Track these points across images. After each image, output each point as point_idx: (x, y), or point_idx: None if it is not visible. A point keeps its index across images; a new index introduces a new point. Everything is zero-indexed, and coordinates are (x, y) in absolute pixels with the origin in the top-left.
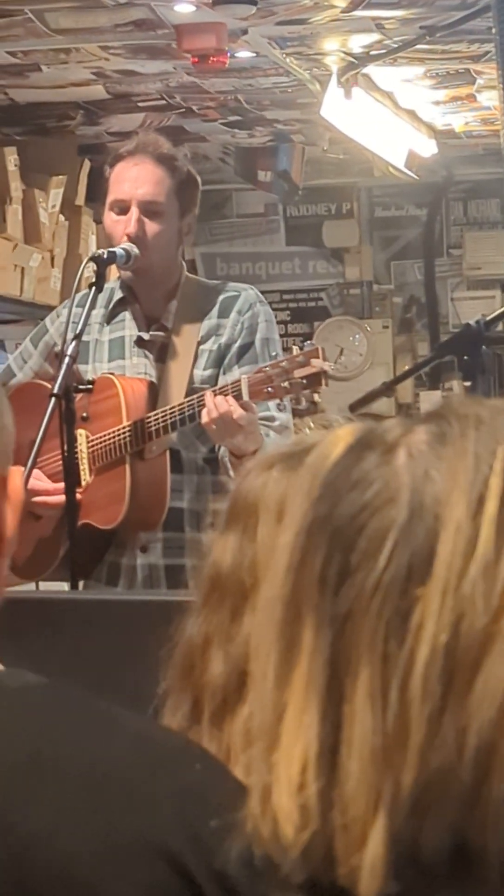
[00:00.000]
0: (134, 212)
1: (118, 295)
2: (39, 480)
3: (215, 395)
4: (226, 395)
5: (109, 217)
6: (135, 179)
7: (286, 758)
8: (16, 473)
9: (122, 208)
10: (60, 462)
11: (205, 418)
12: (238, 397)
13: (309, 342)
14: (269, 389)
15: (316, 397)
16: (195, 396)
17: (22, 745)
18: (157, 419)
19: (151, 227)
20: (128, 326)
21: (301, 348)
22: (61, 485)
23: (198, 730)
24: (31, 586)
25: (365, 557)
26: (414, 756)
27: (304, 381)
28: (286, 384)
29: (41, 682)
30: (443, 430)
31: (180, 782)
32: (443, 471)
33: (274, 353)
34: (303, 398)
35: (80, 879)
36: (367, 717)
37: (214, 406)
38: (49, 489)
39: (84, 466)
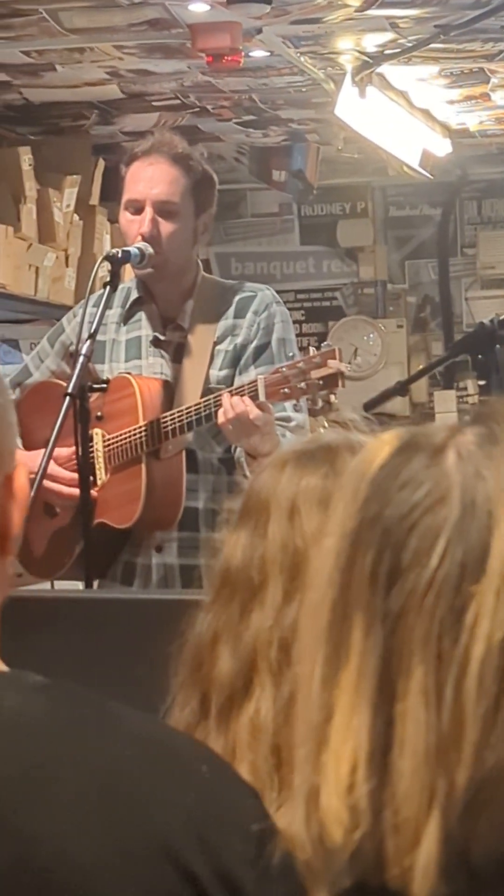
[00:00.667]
0: (148, 212)
1: (134, 295)
2: (56, 471)
3: (232, 395)
4: (242, 396)
5: (124, 216)
6: (149, 179)
7: (335, 758)
8: (21, 471)
9: (137, 208)
10: (75, 461)
11: (221, 419)
12: (255, 398)
13: (326, 343)
14: (286, 390)
15: (332, 398)
16: (211, 396)
17: (27, 749)
18: (173, 419)
19: (166, 226)
20: (144, 326)
21: (318, 349)
22: (75, 475)
23: (206, 725)
24: (45, 585)
25: (417, 555)
26: (469, 754)
27: (321, 382)
28: (303, 385)
29: (45, 683)
30: (492, 430)
31: (187, 786)
32: (493, 470)
33: (290, 354)
34: (319, 399)
35: (89, 885)
36: (421, 715)
37: (231, 406)
38: (65, 477)
39: (100, 465)
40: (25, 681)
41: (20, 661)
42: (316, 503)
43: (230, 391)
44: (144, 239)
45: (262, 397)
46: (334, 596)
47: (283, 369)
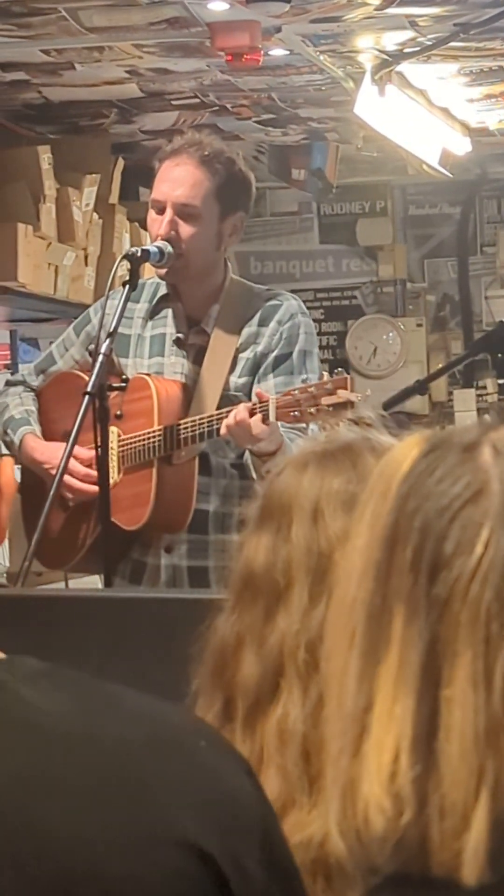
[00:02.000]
0: (168, 213)
1: (163, 291)
2: (71, 465)
3: (250, 414)
4: (254, 414)
5: (150, 215)
6: (173, 181)
7: (377, 747)
8: (6, 465)
9: (160, 208)
10: (93, 457)
11: (223, 430)
12: (266, 417)
13: (339, 369)
14: (296, 413)
15: (342, 426)
16: (229, 409)
17: (30, 738)
18: (189, 427)
19: (186, 229)
20: (169, 325)
21: (332, 374)
22: (91, 472)
23: (231, 729)
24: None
25: (460, 545)
26: None
27: (330, 409)
28: (313, 410)
29: (43, 668)
30: None
31: (190, 764)
32: None
33: (304, 378)
34: (328, 426)
35: (105, 872)
36: (470, 699)
37: (233, 417)
38: (79, 472)
39: (113, 464)
40: (24, 666)
41: (39, 658)
42: (340, 505)
43: (247, 407)
44: (162, 239)
45: (272, 418)
46: (370, 590)
47: (296, 392)
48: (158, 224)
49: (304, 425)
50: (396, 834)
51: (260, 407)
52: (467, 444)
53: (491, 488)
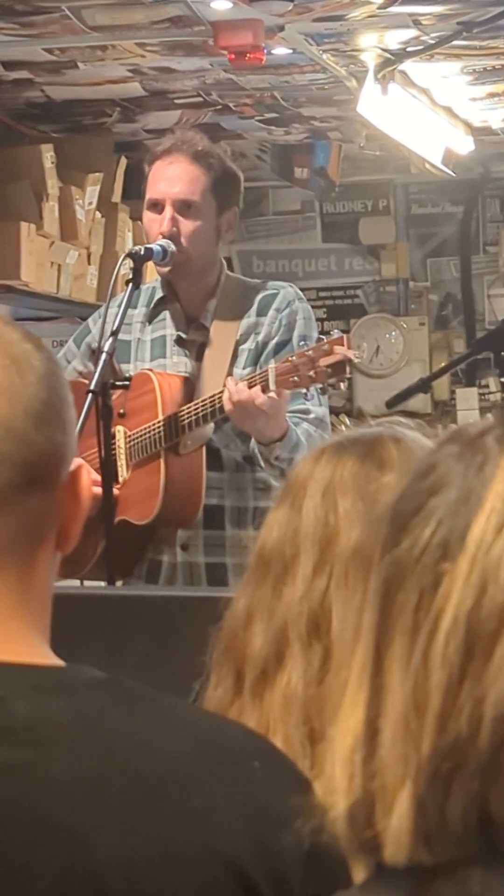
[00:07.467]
0: (168, 210)
1: (159, 294)
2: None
3: (249, 385)
4: (254, 385)
5: (147, 216)
6: (170, 179)
7: (341, 732)
8: (84, 472)
9: (158, 207)
10: (97, 458)
11: (227, 405)
12: (266, 387)
13: (336, 331)
14: (295, 378)
15: (342, 386)
16: (224, 389)
17: (80, 750)
18: (190, 412)
19: (186, 225)
20: (168, 325)
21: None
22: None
23: (240, 703)
24: (74, 582)
25: (412, 536)
26: (432, 723)
27: (329, 370)
28: (311, 373)
29: (100, 679)
30: None
31: (242, 788)
32: (499, 462)
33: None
34: (329, 387)
35: (142, 890)
36: (398, 685)
37: (235, 391)
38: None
39: (122, 462)
40: (81, 677)
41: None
42: (351, 485)
43: (243, 380)
44: (164, 237)
45: (272, 386)
46: (360, 588)
47: (293, 358)
48: (158, 223)
49: (305, 390)
50: (350, 812)
51: (259, 377)
52: (469, 438)
53: (453, 482)
